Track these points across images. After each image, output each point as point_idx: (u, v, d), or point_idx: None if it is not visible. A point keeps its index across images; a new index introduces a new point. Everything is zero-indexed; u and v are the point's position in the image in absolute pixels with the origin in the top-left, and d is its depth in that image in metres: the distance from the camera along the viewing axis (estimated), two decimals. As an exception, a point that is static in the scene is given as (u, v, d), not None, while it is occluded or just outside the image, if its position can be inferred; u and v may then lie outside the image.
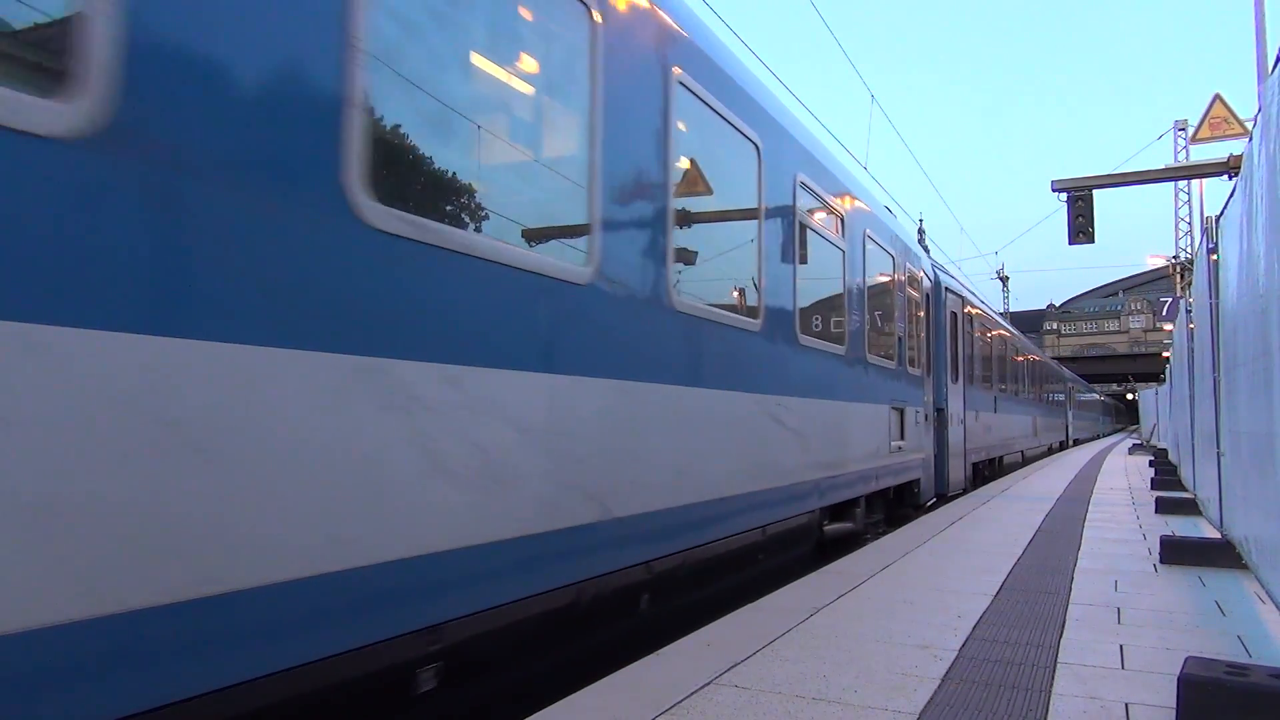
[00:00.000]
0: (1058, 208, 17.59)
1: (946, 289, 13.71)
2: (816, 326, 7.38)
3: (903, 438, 10.11)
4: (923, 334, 11.95)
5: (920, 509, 11.15)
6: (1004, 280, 47.76)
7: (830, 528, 7.63)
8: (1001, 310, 42.97)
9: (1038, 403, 27.11)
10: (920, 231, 32.95)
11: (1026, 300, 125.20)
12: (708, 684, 3.60)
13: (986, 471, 17.25)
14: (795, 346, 6.67)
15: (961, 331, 14.49)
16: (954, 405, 13.47)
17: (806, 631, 4.52)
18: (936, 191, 28.63)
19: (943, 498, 12.58)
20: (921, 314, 11.86)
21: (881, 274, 9.74)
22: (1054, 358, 48.01)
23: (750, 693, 3.51)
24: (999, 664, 3.98)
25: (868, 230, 9.01)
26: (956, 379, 13.80)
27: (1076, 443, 40.47)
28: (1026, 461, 23.08)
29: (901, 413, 10.07)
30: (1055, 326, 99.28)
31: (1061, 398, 35.73)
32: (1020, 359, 23.39)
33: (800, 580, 6.06)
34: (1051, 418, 31.32)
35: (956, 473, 13.48)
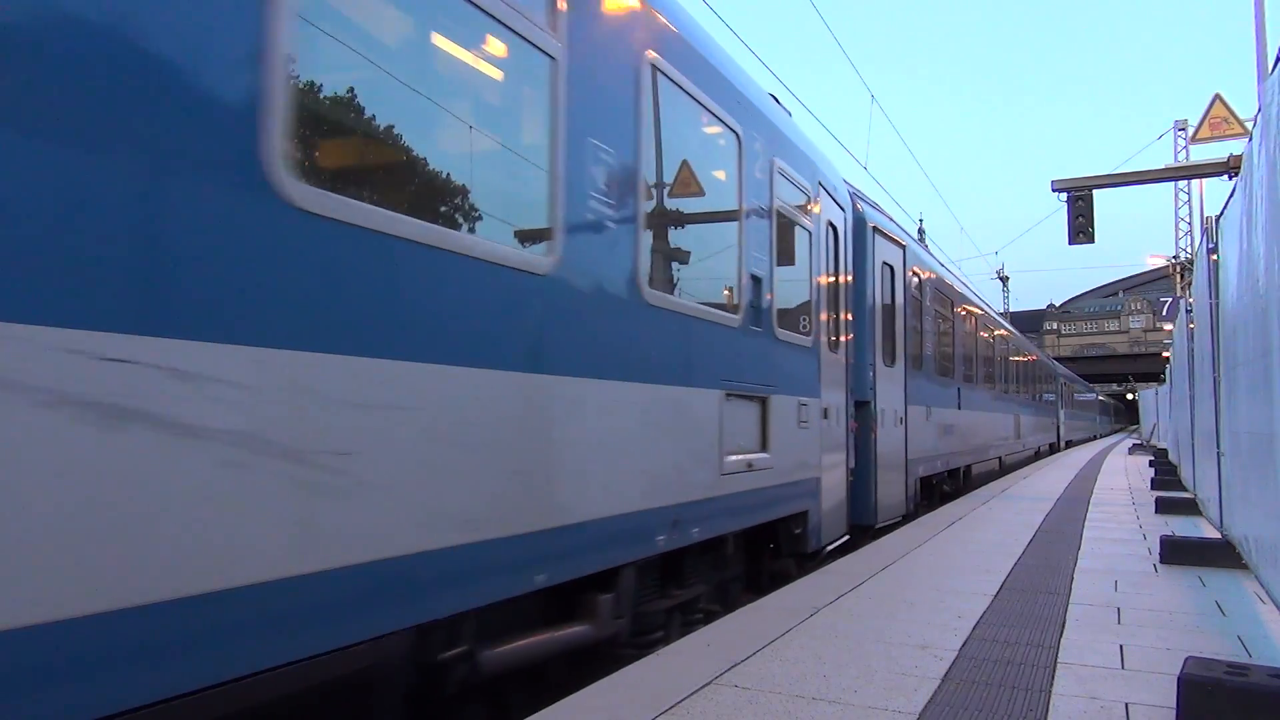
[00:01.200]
0: (1058, 208, 17.59)
1: (875, 229, 9.53)
2: (440, 206, 3.41)
3: (765, 447, 5.99)
4: (828, 289, 7.75)
5: (816, 556, 7.23)
6: (1004, 280, 47.79)
7: (513, 650, 3.65)
8: (1002, 310, 42.79)
9: (1021, 398, 22.42)
10: (920, 231, 32.96)
11: (1026, 300, 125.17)
12: (708, 684, 3.61)
13: (947, 487, 13.16)
14: (280, 225, 2.48)
15: (904, 296, 10.58)
16: (887, 398, 9.57)
17: (806, 631, 4.53)
18: (937, 191, 28.69)
19: (868, 532, 8.80)
20: (826, 259, 7.70)
21: (707, 156, 5.57)
22: (1054, 357, 47.90)
23: (750, 693, 3.51)
24: (999, 664, 3.98)
25: (655, 56, 4.69)
26: (893, 361, 9.94)
27: (1070, 445, 37.40)
28: (1005, 470, 19.00)
29: (763, 405, 6.01)
30: (1055, 326, 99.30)
31: (1051, 394, 31.13)
32: (997, 343, 18.89)
33: (800, 580, 6.07)
34: (1039, 416, 27.00)
35: (892, 492, 9.59)
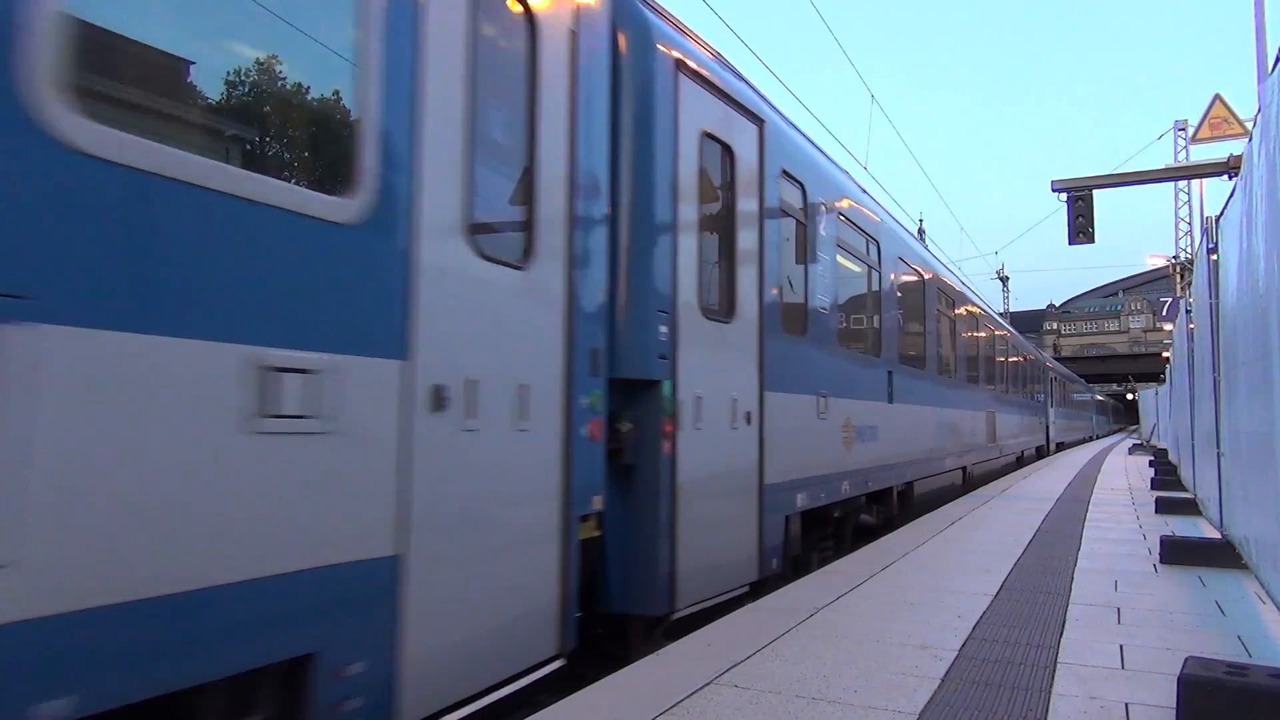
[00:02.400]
0: (1058, 208, 17.62)
1: (682, 66, 5.18)
2: None
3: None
4: (485, 126, 3.71)
5: None
6: (1004, 280, 47.78)
7: None
8: (1002, 310, 42.65)
9: (997, 391, 17.97)
10: (920, 230, 32.98)
11: (1026, 300, 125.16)
12: (708, 684, 3.61)
13: (869, 516, 9.02)
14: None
15: (761, 206, 6.19)
16: (710, 377, 5.37)
17: (806, 631, 4.53)
18: (936, 191, 28.70)
19: (659, 624, 4.86)
20: (490, 61, 3.72)
21: None
22: (1055, 357, 47.73)
23: (750, 693, 3.51)
24: (999, 664, 3.99)
25: None
26: (731, 314, 5.68)
27: (1061, 447, 32.93)
28: (971, 485, 14.50)
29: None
30: (1055, 326, 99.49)
31: (1038, 389, 26.62)
32: (963, 320, 14.52)
33: (800, 580, 6.07)
34: (1023, 415, 22.63)
35: (720, 546, 5.42)
